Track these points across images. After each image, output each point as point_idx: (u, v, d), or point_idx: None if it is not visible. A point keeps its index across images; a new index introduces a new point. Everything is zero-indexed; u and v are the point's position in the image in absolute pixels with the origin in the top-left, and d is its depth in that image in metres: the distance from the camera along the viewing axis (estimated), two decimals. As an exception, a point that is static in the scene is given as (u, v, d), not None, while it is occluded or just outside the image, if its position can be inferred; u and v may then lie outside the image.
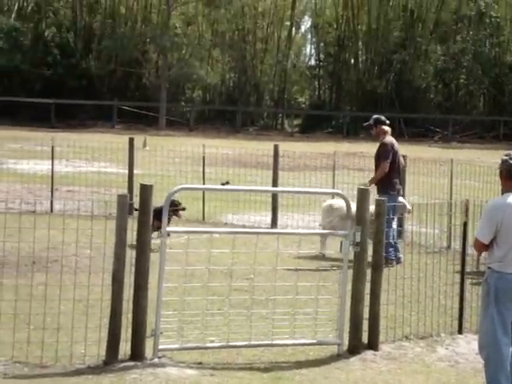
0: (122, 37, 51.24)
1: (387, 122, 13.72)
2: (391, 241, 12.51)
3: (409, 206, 13.50)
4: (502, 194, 7.31)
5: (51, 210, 16.70)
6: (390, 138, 13.64)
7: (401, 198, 13.57)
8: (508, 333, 7.09)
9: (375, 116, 13.93)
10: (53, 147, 18.57)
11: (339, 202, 13.19)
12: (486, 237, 7.13)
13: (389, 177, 13.40)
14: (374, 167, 13.87)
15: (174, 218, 13.57)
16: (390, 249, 12.58)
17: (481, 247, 7.28)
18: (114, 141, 21.28)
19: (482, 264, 11.78)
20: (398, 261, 12.65)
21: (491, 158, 22.19)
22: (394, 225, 12.52)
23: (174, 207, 13.33)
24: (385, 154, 13.39)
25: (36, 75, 48.89)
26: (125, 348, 7.95)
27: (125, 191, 15.77)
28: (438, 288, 9.89)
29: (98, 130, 42.26)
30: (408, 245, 13.38)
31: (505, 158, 7.22)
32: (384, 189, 13.21)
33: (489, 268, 7.21)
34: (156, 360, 7.94)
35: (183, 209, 13.98)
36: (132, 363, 7.82)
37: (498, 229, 7.06)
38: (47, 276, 9.34)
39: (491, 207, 7.26)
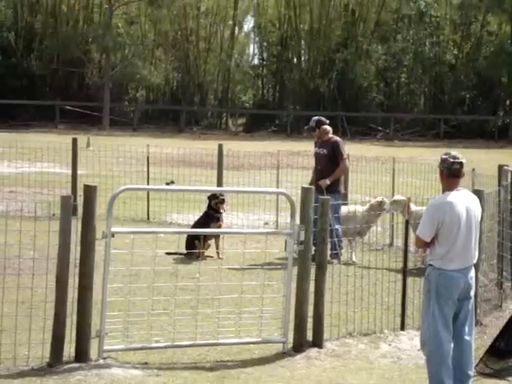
0: (64, 36, 50.93)
1: (327, 121, 13.83)
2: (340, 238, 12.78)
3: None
4: (443, 192, 7.41)
5: (-7, 212, 16.49)
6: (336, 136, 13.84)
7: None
8: (449, 329, 7.19)
9: (316, 118, 13.93)
10: (-6, 148, 18.38)
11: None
12: (427, 234, 7.24)
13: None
14: (318, 166, 13.58)
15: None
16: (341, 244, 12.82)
17: (422, 245, 7.38)
18: (56, 141, 21.08)
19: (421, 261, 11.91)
20: (337, 256, 12.65)
21: (432, 155, 22.45)
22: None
23: (216, 199, 13.46)
24: (342, 152, 13.47)
25: (-24, 75, 48.23)
26: (69, 349, 7.91)
27: (68, 192, 15.65)
28: (380, 285, 10.01)
29: (41, 130, 41.78)
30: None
31: (444, 157, 7.30)
32: (335, 187, 13.21)
33: (430, 265, 7.32)
34: (101, 361, 7.92)
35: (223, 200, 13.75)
36: (77, 365, 7.78)
37: (439, 227, 7.16)
38: (-10, 278, 9.26)
39: (433, 206, 7.35)
